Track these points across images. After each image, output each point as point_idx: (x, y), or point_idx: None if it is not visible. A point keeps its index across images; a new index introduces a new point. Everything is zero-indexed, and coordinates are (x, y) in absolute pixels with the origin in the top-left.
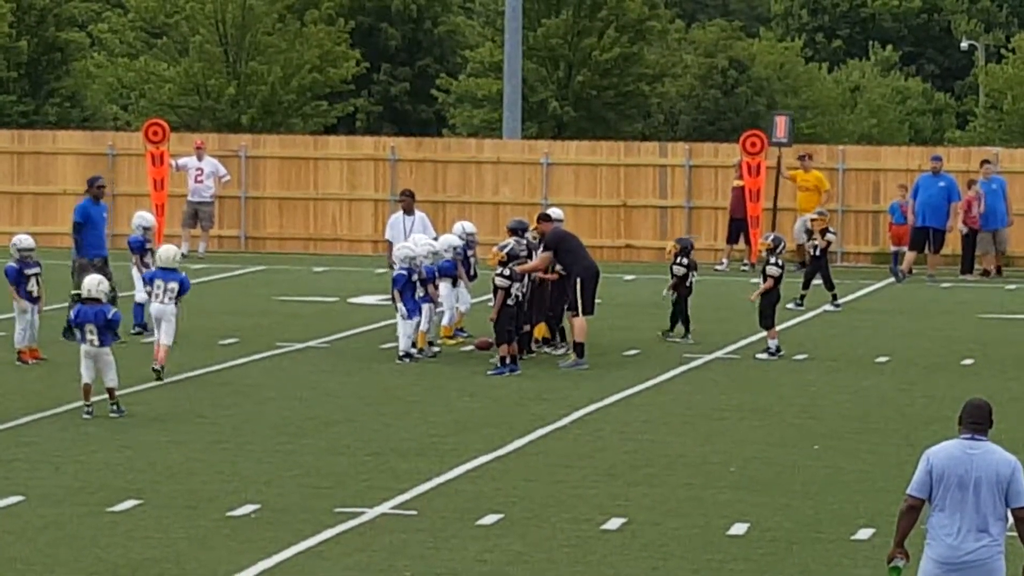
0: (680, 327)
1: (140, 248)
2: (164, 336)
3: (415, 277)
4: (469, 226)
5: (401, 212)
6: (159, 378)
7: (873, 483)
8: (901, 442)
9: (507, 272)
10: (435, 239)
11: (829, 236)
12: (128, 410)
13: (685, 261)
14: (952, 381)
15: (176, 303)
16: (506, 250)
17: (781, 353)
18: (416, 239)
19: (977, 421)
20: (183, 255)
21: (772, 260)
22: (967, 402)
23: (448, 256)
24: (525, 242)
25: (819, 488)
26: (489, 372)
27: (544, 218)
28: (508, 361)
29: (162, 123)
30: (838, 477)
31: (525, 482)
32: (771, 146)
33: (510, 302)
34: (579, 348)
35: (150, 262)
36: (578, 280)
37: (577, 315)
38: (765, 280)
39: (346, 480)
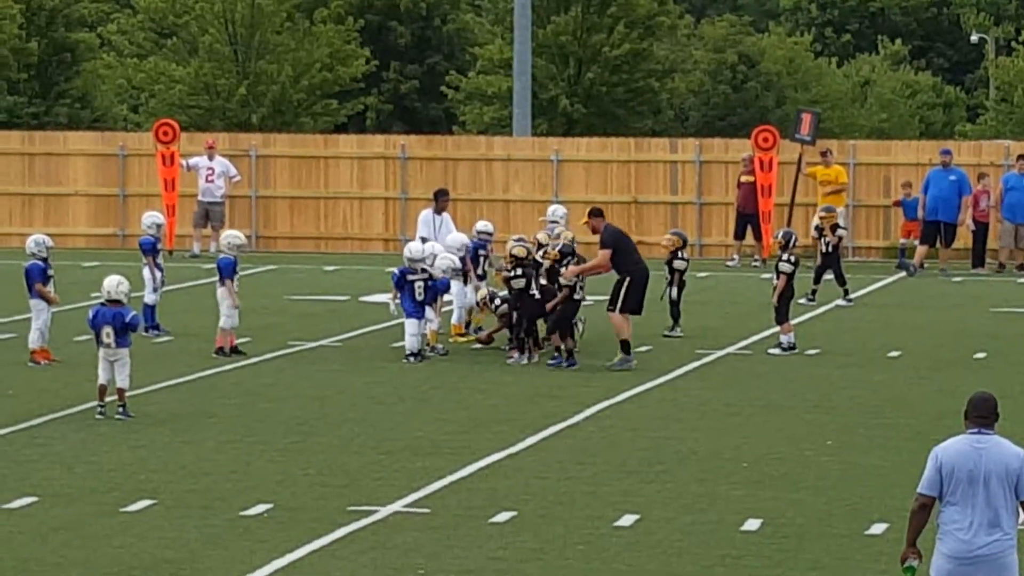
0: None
1: (152, 249)
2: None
3: (411, 276)
4: (486, 225)
5: (431, 210)
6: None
7: (886, 478)
8: (914, 437)
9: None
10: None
11: (840, 232)
12: (140, 410)
13: (684, 255)
14: (965, 375)
15: (222, 284)
16: (559, 248)
17: (795, 349)
18: (435, 247)
19: (983, 415)
20: (234, 247)
21: (784, 256)
22: (972, 396)
23: (460, 254)
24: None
25: (832, 483)
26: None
27: (596, 213)
28: (566, 355)
29: (172, 123)
30: (851, 472)
31: (538, 479)
32: (794, 141)
33: (534, 292)
34: (624, 345)
35: (161, 262)
36: (627, 279)
37: (614, 311)
38: (778, 277)
39: (359, 479)
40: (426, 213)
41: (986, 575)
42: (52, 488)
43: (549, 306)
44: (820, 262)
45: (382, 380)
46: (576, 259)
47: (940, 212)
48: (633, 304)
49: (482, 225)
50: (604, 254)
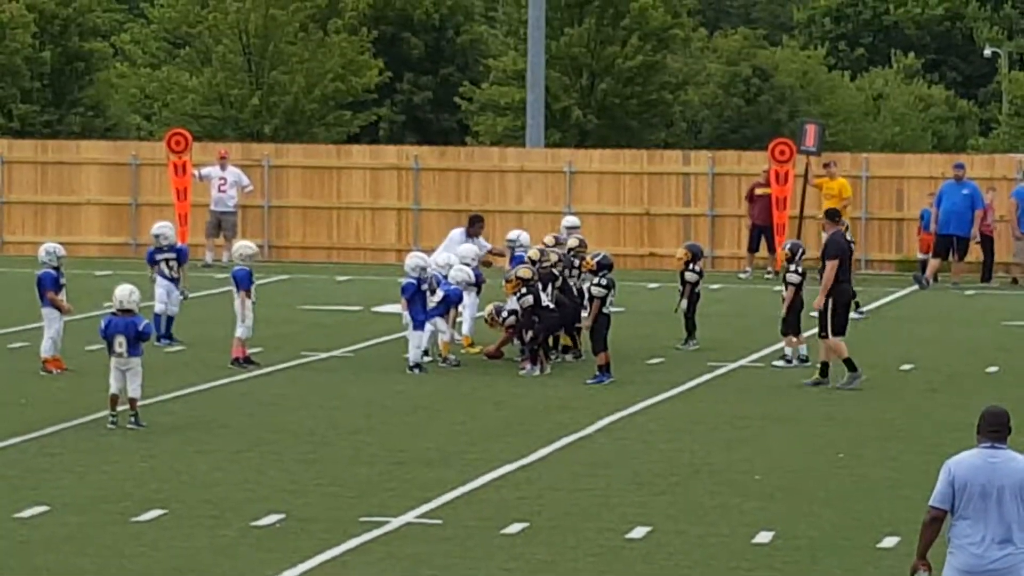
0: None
1: (151, 260)
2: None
3: (424, 287)
4: (522, 235)
5: (463, 231)
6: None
7: (898, 491)
8: (926, 450)
9: (604, 281)
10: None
11: None
12: (152, 420)
13: (697, 268)
14: (976, 389)
15: (238, 295)
16: (597, 259)
17: (808, 361)
18: (450, 258)
19: (996, 429)
20: (244, 255)
21: (792, 268)
22: (984, 410)
23: (473, 264)
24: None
25: (844, 496)
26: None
27: (831, 216)
28: (605, 369)
29: (184, 133)
30: (863, 485)
31: (550, 491)
32: (799, 154)
33: (548, 304)
34: (849, 363)
35: (167, 272)
36: (830, 301)
37: (827, 336)
38: (787, 288)
39: (371, 489)
40: (458, 233)
41: None
42: (63, 497)
43: (586, 325)
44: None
45: (394, 391)
46: (605, 273)
47: (952, 226)
48: (841, 326)
49: (513, 234)
50: (832, 265)
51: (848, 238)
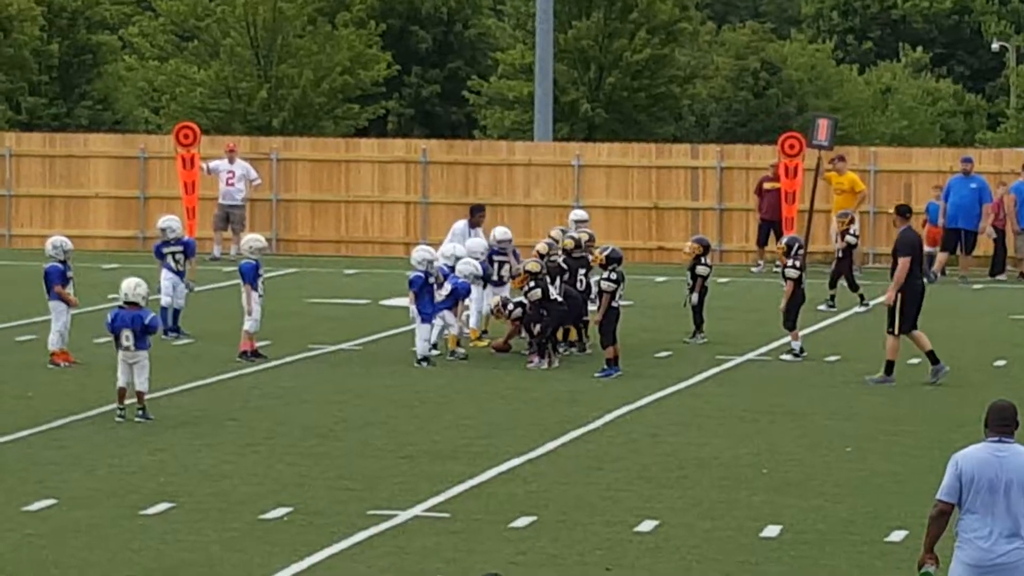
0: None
1: (159, 254)
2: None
3: (432, 280)
4: (505, 232)
5: (466, 223)
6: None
7: (906, 485)
8: (934, 444)
9: (614, 276)
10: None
11: (848, 238)
12: (160, 413)
13: (707, 261)
14: (984, 382)
15: (246, 287)
16: (606, 253)
17: (804, 354)
18: (457, 249)
19: (1004, 423)
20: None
21: (790, 262)
22: (992, 404)
23: (482, 259)
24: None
25: (852, 490)
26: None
27: (901, 212)
28: (613, 363)
29: (193, 126)
30: (871, 479)
31: (557, 484)
32: (811, 148)
33: (557, 298)
34: (889, 366)
35: (173, 265)
36: (899, 296)
37: (892, 333)
38: (786, 283)
39: (378, 483)
40: (461, 225)
41: None
42: (71, 491)
43: (596, 320)
44: (834, 267)
45: (402, 384)
46: (615, 267)
47: (960, 220)
48: (910, 324)
49: (500, 232)
50: (904, 263)
51: (853, 232)
